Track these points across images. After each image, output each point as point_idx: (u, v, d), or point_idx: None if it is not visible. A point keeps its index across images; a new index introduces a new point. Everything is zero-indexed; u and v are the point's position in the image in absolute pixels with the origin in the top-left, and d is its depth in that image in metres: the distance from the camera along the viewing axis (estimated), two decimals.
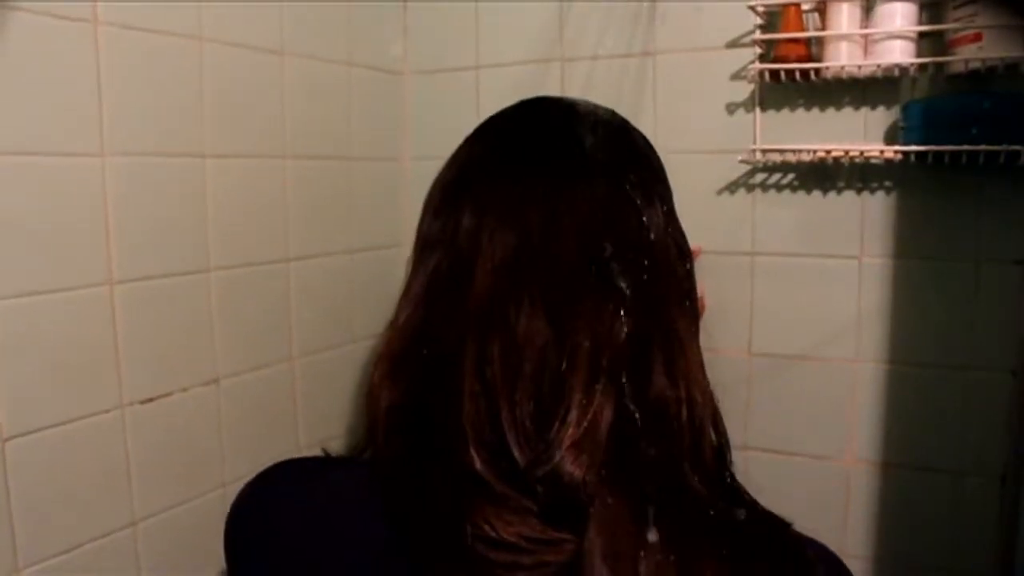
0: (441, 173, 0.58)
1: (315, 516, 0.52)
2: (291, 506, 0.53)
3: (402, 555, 0.47)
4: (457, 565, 0.44)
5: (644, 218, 0.52)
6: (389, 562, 0.48)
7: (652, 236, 0.52)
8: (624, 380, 0.47)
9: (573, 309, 0.48)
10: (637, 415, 0.47)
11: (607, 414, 0.46)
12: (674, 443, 0.48)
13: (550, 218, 0.50)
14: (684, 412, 0.49)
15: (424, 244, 0.56)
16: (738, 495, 0.51)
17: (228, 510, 0.57)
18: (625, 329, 0.48)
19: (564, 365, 0.47)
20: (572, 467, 0.44)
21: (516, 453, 0.45)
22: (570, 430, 0.45)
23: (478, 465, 0.46)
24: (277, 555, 0.52)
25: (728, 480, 0.51)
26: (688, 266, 0.56)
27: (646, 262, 0.51)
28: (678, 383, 0.49)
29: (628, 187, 0.53)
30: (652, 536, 0.43)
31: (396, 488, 0.49)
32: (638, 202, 0.53)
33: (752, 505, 0.50)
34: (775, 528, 0.48)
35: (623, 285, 0.49)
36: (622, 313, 0.48)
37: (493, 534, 0.44)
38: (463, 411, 0.47)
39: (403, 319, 0.53)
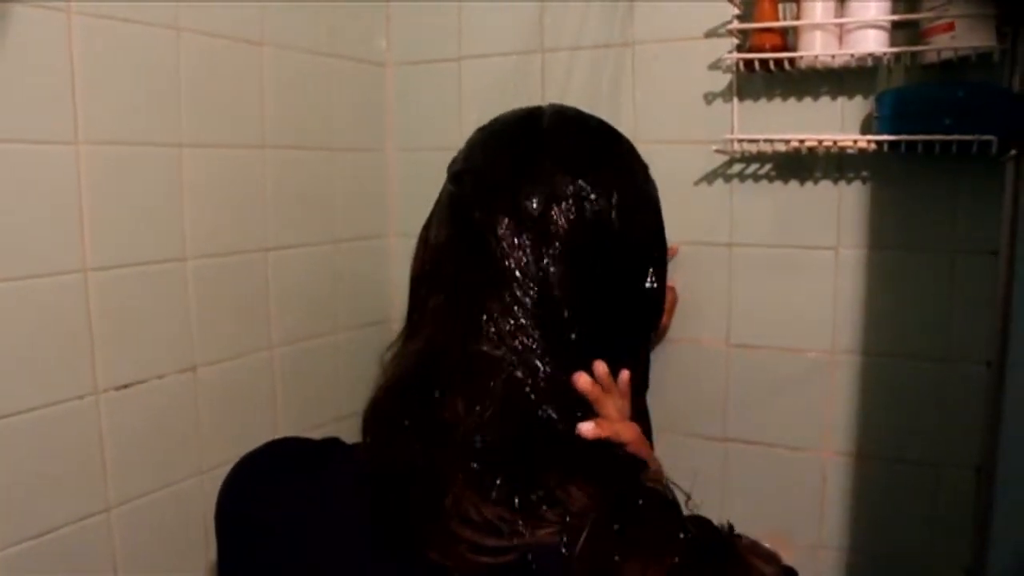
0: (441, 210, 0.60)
1: (307, 492, 0.54)
2: (286, 481, 0.55)
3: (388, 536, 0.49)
4: (433, 538, 0.46)
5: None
6: (374, 540, 0.49)
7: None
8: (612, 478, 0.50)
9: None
10: (628, 505, 0.48)
11: (590, 504, 0.47)
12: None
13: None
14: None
15: (424, 282, 0.58)
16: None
17: (218, 486, 0.58)
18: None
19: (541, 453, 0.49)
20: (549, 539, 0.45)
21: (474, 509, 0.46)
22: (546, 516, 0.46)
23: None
24: (267, 531, 0.53)
25: None
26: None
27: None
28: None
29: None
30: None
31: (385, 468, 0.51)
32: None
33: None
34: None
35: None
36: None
37: (474, 513, 0.45)
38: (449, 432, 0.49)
39: (410, 350, 0.56)
